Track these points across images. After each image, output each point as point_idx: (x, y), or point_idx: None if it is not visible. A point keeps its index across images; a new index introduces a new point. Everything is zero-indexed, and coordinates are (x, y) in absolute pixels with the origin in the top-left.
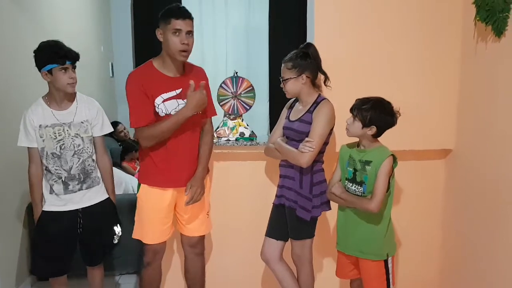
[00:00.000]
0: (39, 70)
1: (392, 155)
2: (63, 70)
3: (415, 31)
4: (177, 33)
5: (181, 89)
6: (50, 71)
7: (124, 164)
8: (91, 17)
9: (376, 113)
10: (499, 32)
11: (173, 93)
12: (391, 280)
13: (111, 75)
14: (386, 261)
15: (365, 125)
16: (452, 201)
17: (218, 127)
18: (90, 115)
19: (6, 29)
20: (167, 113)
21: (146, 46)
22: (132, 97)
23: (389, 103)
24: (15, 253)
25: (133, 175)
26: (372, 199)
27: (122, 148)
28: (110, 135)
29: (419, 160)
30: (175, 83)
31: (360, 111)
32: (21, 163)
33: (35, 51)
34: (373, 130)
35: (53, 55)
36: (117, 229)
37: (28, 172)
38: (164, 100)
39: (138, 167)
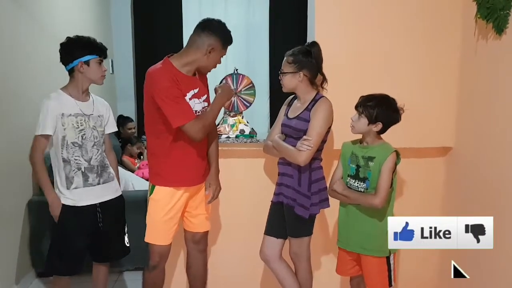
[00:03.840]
0: (71, 61)
1: (396, 151)
2: (100, 63)
3: (416, 28)
4: (221, 58)
5: (198, 88)
6: (87, 62)
7: (124, 158)
8: (90, 14)
9: (382, 110)
10: (500, 29)
11: (192, 92)
12: (392, 277)
13: (111, 71)
14: (388, 258)
15: (371, 121)
16: (451, 199)
17: (218, 124)
18: (105, 112)
19: (4, 27)
20: None
21: (146, 43)
22: (172, 94)
23: (393, 100)
24: (15, 249)
25: (132, 171)
26: (376, 195)
27: (121, 142)
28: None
29: (419, 157)
30: (193, 83)
31: (366, 108)
32: (21, 159)
33: (67, 43)
34: (378, 126)
35: (94, 47)
36: (126, 228)
37: (34, 159)
38: (189, 99)
39: (138, 164)
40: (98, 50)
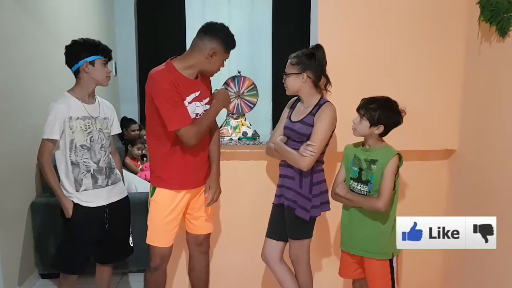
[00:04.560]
0: (77, 61)
1: (398, 154)
2: (104, 64)
3: (419, 31)
4: (224, 61)
5: (200, 91)
6: (92, 63)
7: (127, 160)
8: (94, 16)
9: (384, 112)
10: (503, 32)
11: (193, 95)
12: (395, 280)
13: (114, 74)
14: (391, 261)
15: (372, 124)
16: (455, 202)
17: (221, 127)
18: (110, 114)
19: (9, 30)
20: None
21: (149, 46)
22: (171, 97)
23: (395, 102)
24: (18, 251)
25: (135, 173)
26: (379, 198)
27: (124, 144)
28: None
29: (423, 160)
30: (195, 86)
31: (368, 110)
32: (24, 161)
33: (73, 45)
34: (380, 129)
35: (98, 48)
36: (130, 229)
37: (42, 162)
38: (189, 102)
39: (141, 166)
40: (103, 51)
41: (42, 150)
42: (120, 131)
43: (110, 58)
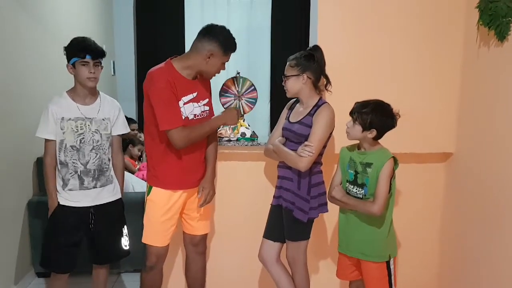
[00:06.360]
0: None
1: (393, 157)
2: (84, 64)
3: (418, 34)
4: (224, 64)
5: (196, 93)
6: (73, 65)
7: (125, 159)
8: (93, 15)
9: (376, 116)
10: (502, 36)
11: (190, 96)
12: (393, 282)
13: (112, 73)
14: (388, 263)
15: (365, 128)
16: (451, 205)
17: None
18: (112, 114)
19: (8, 29)
20: (185, 115)
21: (147, 45)
22: (165, 97)
23: (388, 106)
24: (14, 249)
25: (133, 173)
26: (374, 202)
27: (123, 143)
28: None
29: (419, 163)
30: (192, 86)
31: (360, 114)
32: (21, 160)
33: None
34: (373, 133)
35: (75, 49)
36: (125, 231)
37: (44, 163)
38: (185, 103)
39: (138, 165)
40: (81, 51)
41: (44, 152)
42: (128, 131)
43: (93, 57)
